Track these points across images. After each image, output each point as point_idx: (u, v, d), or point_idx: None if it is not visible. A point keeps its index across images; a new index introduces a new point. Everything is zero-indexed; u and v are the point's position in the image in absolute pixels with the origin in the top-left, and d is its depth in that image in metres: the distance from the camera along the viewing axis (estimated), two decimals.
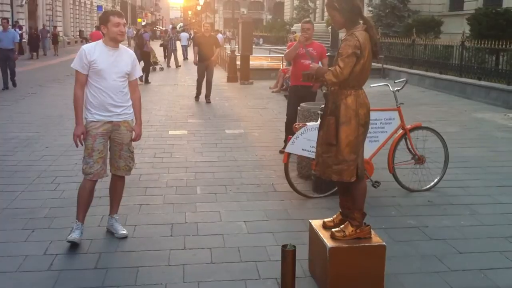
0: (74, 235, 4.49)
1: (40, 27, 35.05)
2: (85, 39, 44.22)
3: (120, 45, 4.63)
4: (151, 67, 20.41)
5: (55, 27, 37.35)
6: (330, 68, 3.73)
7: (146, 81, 18.05)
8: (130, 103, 4.69)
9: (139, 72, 4.76)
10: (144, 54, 18.76)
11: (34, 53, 29.67)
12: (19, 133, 9.23)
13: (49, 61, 27.71)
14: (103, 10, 61.07)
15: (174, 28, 23.10)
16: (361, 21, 3.75)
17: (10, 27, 16.84)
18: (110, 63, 4.50)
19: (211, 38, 13.86)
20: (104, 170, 4.66)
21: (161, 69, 23.63)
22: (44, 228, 4.92)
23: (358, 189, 3.85)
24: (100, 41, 4.61)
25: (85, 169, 4.58)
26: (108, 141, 4.65)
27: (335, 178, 3.85)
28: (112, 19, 4.48)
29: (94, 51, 4.50)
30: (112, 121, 4.56)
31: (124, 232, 4.75)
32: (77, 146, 4.58)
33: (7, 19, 16.41)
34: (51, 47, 33.62)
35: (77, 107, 4.53)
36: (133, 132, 4.75)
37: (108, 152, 4.70)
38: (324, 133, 3.85)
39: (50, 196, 5.85)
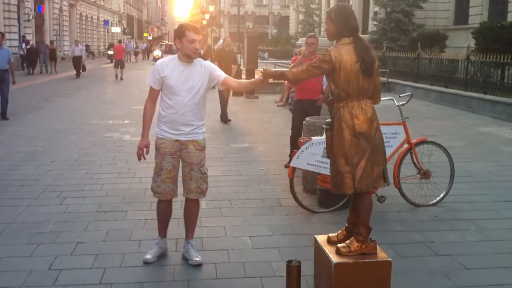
0: (150, 256, 4.50)
1: (47, 41, 32.91)
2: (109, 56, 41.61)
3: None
4: None
5: (52, 41, 33.73)
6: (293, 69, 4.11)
7: None
8: (202, 122, 4.46)
9: (222, 73, 4.44)
10: None
11: (31, 69, 27.68)
12: (25, 147, 9.27)
13: (49, 77, 27.29)
14: (110, 24, 61.35)
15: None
16: (351, 37, 3.79)
17: (5, 43, 13.71)
18: (182, 79, 4.28)
19: (231, 53, 13.37)
20: (174, 191, 4.51)
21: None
22: (49, 243, 4.92)
23: (363, 204, 3.85)
24: (175, 56, 4.37)
25: (154, 187, 4.48)
26: (180, 161, 4.47)
27: (335, 191, 3.91)
28: (188, 34, 4.21)
29: (167, 66, 4.31)
30: (179, 140, 4.38)
31: (198, 259, 4.47)
32: (139, 159, 4.48)
33: (1, 33, 13.39)
34: (49, 63, 30.06)
35: (145, 118, 4.42)
36: (202, 152, 4.47)
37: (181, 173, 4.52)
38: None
39: (56, 210, 5.85)
